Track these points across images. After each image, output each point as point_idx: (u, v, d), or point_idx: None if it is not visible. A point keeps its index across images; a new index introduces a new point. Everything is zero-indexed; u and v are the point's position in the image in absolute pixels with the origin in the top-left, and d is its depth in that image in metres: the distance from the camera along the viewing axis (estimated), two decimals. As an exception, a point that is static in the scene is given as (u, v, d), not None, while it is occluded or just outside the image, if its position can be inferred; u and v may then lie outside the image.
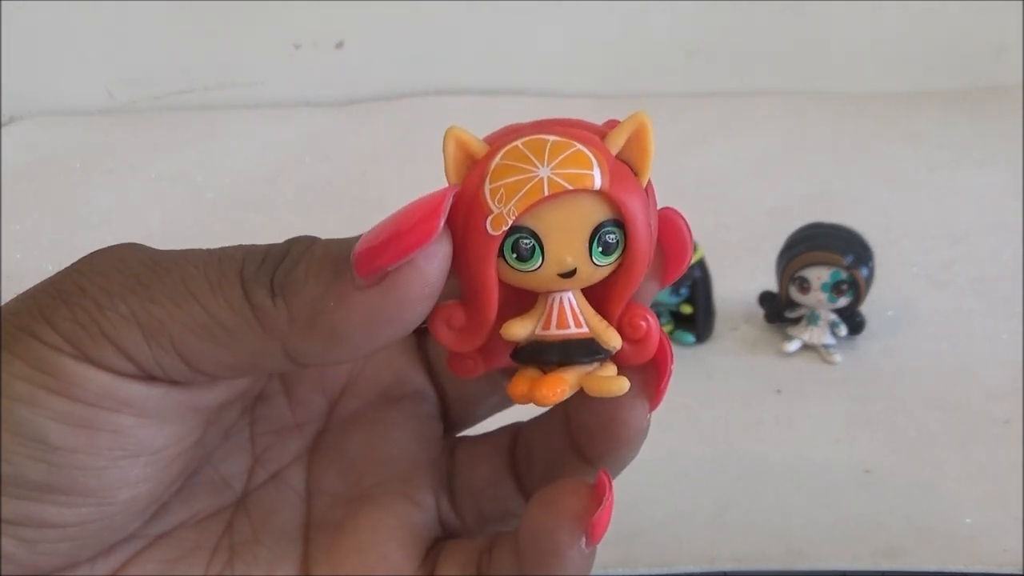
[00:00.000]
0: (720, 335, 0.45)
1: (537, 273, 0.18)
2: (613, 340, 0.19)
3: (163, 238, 0.19)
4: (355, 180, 0.61)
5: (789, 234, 0.44)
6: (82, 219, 0.58)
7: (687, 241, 0.19)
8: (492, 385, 0.23)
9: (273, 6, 0.70)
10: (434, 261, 0.17)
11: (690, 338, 0.44)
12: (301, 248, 0.18)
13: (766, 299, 0.45)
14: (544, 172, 0.17)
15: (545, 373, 0.19)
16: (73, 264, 0.19)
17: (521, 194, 0.17)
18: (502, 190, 0.17)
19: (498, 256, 0.18)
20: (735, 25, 0.72)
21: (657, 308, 0.44)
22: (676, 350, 0.43)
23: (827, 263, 0.42)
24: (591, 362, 0.19)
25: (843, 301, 0.42)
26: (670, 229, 0.19)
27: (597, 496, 0.19)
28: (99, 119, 0.72)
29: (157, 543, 0.21)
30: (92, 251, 0.19)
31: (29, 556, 0.19)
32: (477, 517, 0.23)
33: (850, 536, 0.34)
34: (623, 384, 0.19)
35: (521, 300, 0.19)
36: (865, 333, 0.44)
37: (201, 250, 0.19)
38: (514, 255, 0.18)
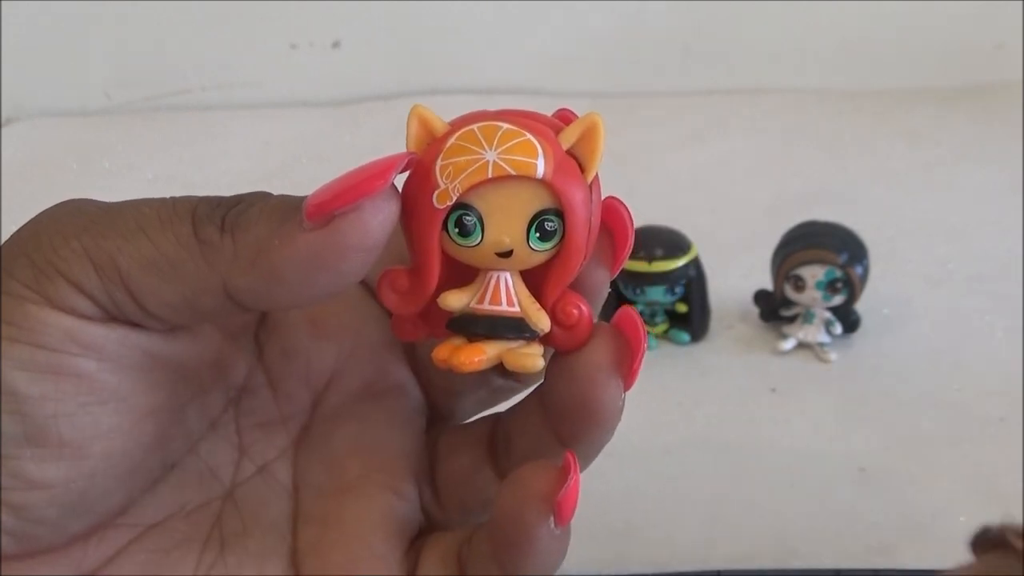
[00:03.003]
0: (715, 334, 0.45)
1: (476, 249, 0.19)
2: (541, 322, 0.20)
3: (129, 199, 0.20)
4: (352, 180, 0.61)
5: (784, 232, 0.44)
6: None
7: (628, 228, 0.20)
8: (477, 381, 0.24)
9: (269, 6, 0.70)
10: (379, 216, 0.18)
11: (685, 337, 0.44)
12: (257, 197, 0.19)
13: (761, 297, 0.45)
14: (491, 156, 0.18)
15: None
16: (31, 219, 0.20)
17: (466, 173, 0.18)
18: (450, 168, 0.18)
19: (443, 229, 0.19)
20: (731, 23, 0.72)
21: (652, 307, 0.44)
22: (671, 349, 0.44)
23: (822, 261, 0.42)
24: (516, 339, 0.20)
25: (838, 299, 0.43)
26: (612, 216, 0.20)
27: (563, 476, 0.19)
28: (96, 120, 0.72)
29: (148, 533, 0.21)
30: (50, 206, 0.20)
31: (19, 524, 0.19)
32: (459, 507, 0.23)
33: (844, 534, 0.34)
34: (538, 361, 0.20)
35: (464, 275, 0.20)
36: (860, 331, 0.44)
37: (159, 198, 0.19)
38: (456, 230, 0.19)
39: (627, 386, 0.20)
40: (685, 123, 0.68)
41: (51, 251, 0.18)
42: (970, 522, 0.34)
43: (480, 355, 0.20)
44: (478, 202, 0.19)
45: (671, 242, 0.43)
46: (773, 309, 0.44)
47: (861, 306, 0.43)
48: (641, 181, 0.59)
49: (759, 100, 0.71)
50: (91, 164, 0.65)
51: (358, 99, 0.73)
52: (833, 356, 0.43)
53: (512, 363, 0.20)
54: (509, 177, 0.18)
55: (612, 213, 0.20)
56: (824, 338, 0.43)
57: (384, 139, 0.68)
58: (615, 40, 0.73)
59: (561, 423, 0.21)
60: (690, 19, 0.72)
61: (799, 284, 0.43)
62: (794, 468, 0.37)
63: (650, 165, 0.62)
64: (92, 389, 0.19)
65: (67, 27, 0.71)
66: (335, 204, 0.18)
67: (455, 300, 0.20)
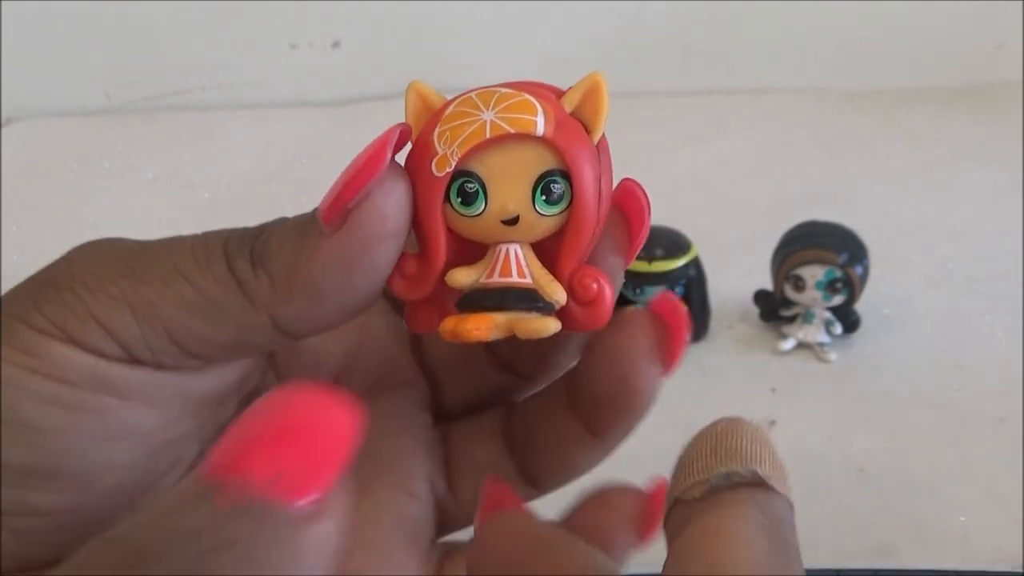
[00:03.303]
0: (715, 334, 0.45)
1: (481, 219, 0.18)
2: (556, 293, 0.19)
3: (160, 238, 0.20)
4: (352, 180, 0.61)
5: (784, 232, 0.44)
6: (80, 220, 0.58)
7: (644, 209, 0.20)
8: (485, 378, 0.23)
9: (269, 6, 0.70)
10: (391, 197, 0.18)
11: (685, 337, 0.44)
12: (274, 224, 0.19)
13: (761, 297, 0.45)
14: (488, 116, 0.18)
15: None
16: (64, 255, 0.19)
17: (464, 136, 0.18)
18: (448, 132, 0.18)
19: (446, 202, 0.18)
20: (731, 23, 0.71)
21: (652, 307, 0.44)
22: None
23: (822, 261, 0.42)
24: (528, 310, 0.19)
25: (838, 299, 0.42)
26: (628, 198, 0.20)
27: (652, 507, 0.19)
28: (96, 120, 0.71)
29: None
30: (81, 243, 0.20)
31: (18, 546, 0.19)
32: (475, 502, 0.23)
33: (844, 535, 0.34)
34: (551, 325, 0.19)
35: (472, 256, 0.19)
36: (860, 331, 0.44)
37: (188, 235, 0.19)
38: (459, 199, 0.18)
39: (668, 372, 0.20)
40: (685, 123, 0.68)
41: (87, 293, 0.18)
42: (970, 522, 0.34)
43: (488, 323, 0.19)
44: (479, 167, 0.18)
45: (671, 242, 0.43)
46: (773, 309, 0.44)
47: (861, 306, 0.43)
48: (641, 181, 0.59)
49: (759, 100, 0.70)
50: (91, 164, 0.65)
51: (358, 99, 0.72)
52: (833, 356, 0.43)
53: (524, 330, 0.19)
54: (509, 138, 0.18)
55: (628, 195, 0.20)
56: (824, 338, 0.43)
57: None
58: (615, 40, 0.72)
59: (594, 411, 0.20)
60: (690, 19, 0.72)
61: (799, 284, 0.42)
62: (794, 468, 0.37)
63: (650, 165, 0.62)
64: (109, 425, 0.19)
65: (67, 27, 0.71)
66: (344, 198, 0.18)
67: (464, 276, 0.19)
